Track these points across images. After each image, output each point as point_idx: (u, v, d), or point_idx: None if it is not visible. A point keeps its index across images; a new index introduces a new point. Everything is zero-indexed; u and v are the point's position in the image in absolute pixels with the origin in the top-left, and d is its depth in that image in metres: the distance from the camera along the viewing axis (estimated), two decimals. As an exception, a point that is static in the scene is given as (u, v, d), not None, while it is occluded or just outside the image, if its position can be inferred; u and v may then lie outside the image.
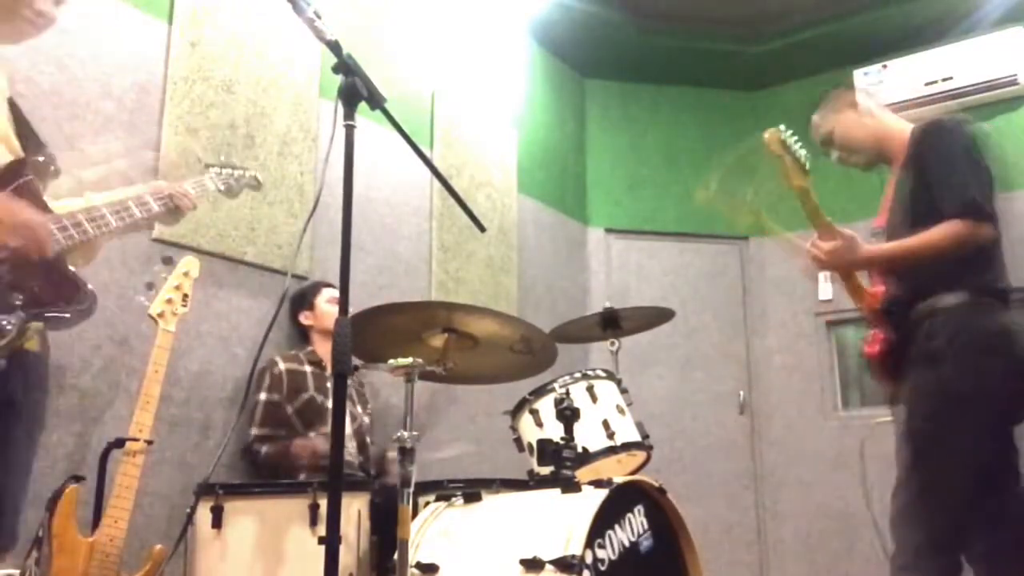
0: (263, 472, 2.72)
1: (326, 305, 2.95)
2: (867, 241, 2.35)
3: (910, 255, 2.21)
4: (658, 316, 3.04)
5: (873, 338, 2.35)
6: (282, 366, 2.81)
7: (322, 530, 1.52)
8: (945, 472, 2.11)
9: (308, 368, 2.86)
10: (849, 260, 2.27)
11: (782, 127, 2.24)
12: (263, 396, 2.76)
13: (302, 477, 2.63)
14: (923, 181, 2.24)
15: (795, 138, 2.25)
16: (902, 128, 2.40)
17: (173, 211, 2.05)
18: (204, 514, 2.16)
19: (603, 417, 2.56)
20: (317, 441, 2.68)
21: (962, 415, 2.10)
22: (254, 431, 2.74)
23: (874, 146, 2.45)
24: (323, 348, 2.93)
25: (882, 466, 3.04)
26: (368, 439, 2.93)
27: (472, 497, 2.14)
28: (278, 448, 2.70)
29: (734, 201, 2.24)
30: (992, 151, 2.28)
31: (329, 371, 2.85)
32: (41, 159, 1.82)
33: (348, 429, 2.84)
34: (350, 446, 2.84)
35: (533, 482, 2.32)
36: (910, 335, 2.24)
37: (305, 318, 2.98)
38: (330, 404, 2.77)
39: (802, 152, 2.25)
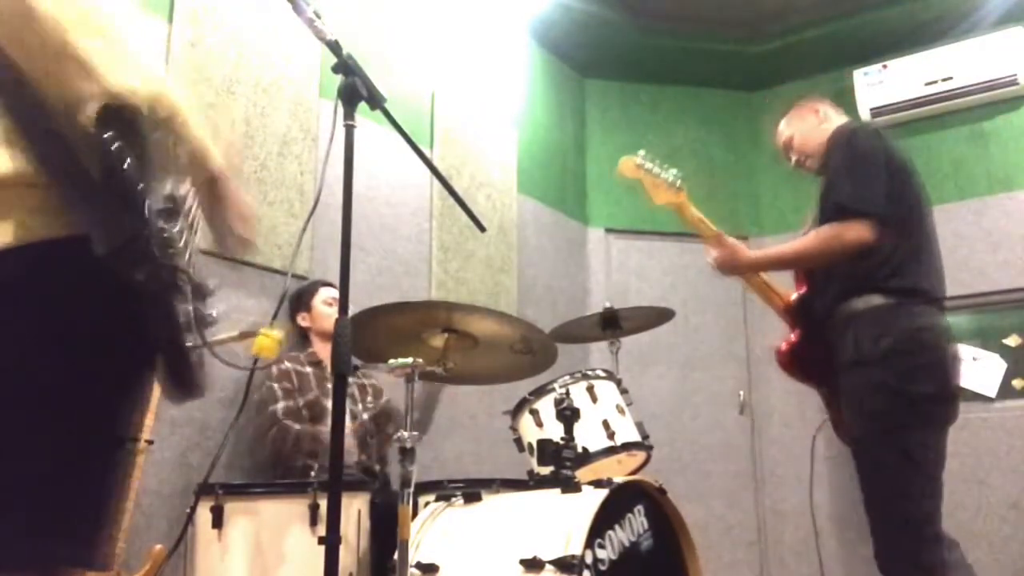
0: (288, 453, 2.66)
1: (322, 306, 2.95)
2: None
3: (789, 259, 2.32)
4: (658, 316, 3.04)
5: (790, 337, 2.42)
6: (287, 364, 2.82)
7: (322, 530, 1.52)
8: (897, 467, 2.13)
9: (308, 369, 2.87)
10: (733, 266, 2.39)
11: (641, 153, 2.44)
12: (276, 384, 2.75)
13: (315, 470, 2.62)
14: (826, 189, 2.31)
15: (656, 161, 2.42)
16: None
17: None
18: (204, 514, 2.16)
19: (603, 417, 2.56)
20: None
21: (898, 413, 2.13)
22: (280, 406, 2.70)
23: (822, 152, 2.48)
24: (322, 349, 2.94)
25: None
26: (369, 437, 2.93)
27: (472, 497, 2.14)
28: (306, 430, 2.68)
29: (658, 179, 2.37)
30: (911, 166, 2.31)
31: (329, 371, 2.88)
32: None
33: (348, 428, 2.84)
34: (350, 444, 2.84)
35: (533, 482, 2.32)
36: (828, 337, 2.29)
37: (302, 319, 2.98)
38: (330, 404, 2.78)
39: (670, 172, 2.41)
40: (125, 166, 1.12)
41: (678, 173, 2.40)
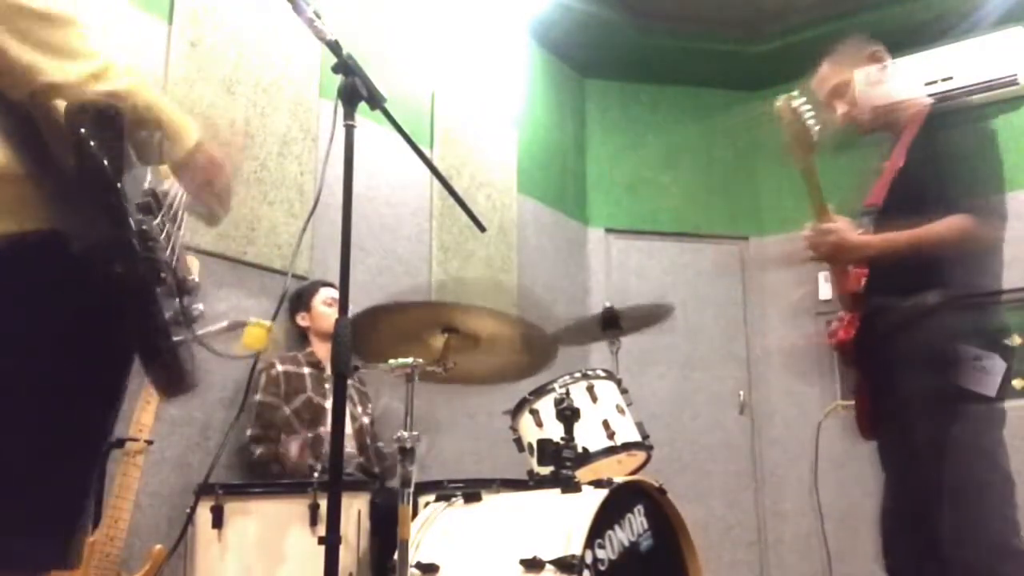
0: (257, 472, 2.73)
1: (322, 307, 2.95)
2: (857, 219, 2.29)
3: (914, 246, 2.11)
4: (659, 310, 3.03)
5: (848, 323, 2.27)
6: (279, 368, 2.81)
7: (322, 530, 1.52)
8: (940, 467, 2.08)
9: (306, 370, 2.87)
10: (853, 245, 2.18)
11: (795, 93, 2.15)
12: (259, 397, 2.77)
13: (317, 471, 2.63)
14: (935, 169, 2.15)
15: (808, 107, 2.14)
16: (916, 100, 2.29)
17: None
18: (204, 514, 2.16)
19: (603, 417, 2.56)
20: (291, 446, 2.67)
21: (973, 416, 2.06)
22: (249, 431, 2.75)
23: (886, 110, 2.32)
24: (321, 349, 2.93)
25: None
26: (368, 440, 2.93)
27: (472, 497, 2.14)
28: (270, 450, 2.71)
29: (804, 130, 2.15)
30: (1000, 151, 2.22)
31: (327, 372, 2.88)
32: None
33: (348, 429, 2.84)
34: (349, 446, 2.84)
35: (533, 482, 2.32)
36: (881, 328, 2.18)
37: (302, 319, 2.98)
38: (328, 404, 2.78)
39: (814, 126, 2.15)
40: (99, 162, 1.10)
41: (818, 128, 2.21)
